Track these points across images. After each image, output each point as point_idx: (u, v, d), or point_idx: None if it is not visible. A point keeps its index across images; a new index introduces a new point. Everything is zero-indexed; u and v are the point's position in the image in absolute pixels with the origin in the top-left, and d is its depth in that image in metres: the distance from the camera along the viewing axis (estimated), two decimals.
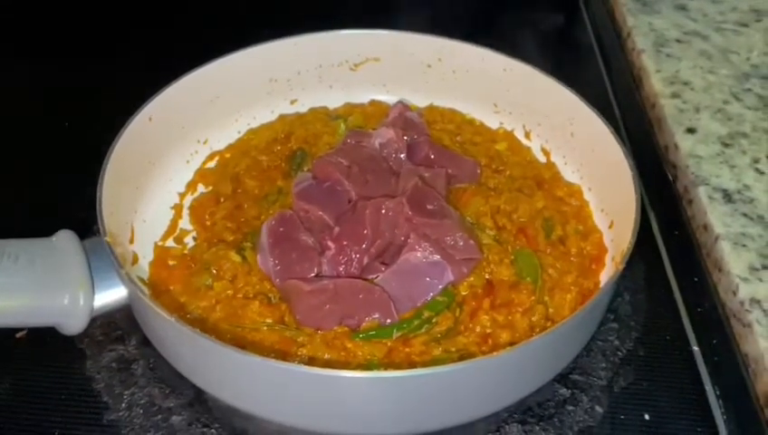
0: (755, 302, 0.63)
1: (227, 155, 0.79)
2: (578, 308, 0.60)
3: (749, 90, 0.87)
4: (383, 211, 0.64)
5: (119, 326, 0.64)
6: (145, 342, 0.62)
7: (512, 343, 0.59)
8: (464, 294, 0.63)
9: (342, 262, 0.62)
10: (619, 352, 0.64)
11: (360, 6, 0.98)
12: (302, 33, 0.81)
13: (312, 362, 0.57)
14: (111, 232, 0.60)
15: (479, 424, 0.58)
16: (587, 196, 0.74)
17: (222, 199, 0.73)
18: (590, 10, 1.10)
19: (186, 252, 0.68)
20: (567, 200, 0.73)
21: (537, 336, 0.55)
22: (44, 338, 0.61)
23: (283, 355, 0.57)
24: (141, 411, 0.59)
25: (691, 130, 0.81)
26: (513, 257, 0.65)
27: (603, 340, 0.65)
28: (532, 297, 0.63)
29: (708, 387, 0.63)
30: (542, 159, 0.79)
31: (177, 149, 0.76)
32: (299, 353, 0.58)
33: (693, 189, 0.75)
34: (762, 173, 0.76)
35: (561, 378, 0.62)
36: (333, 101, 0.84)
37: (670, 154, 0.81)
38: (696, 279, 0.70)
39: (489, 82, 0.81)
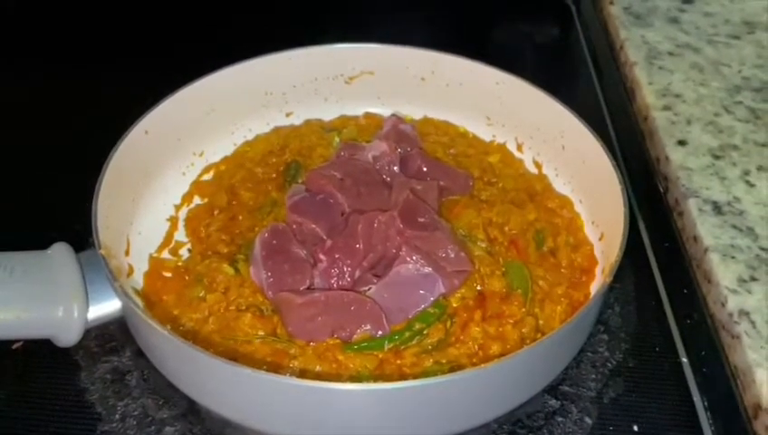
0: (744, 313, 0.64)
1: (223, 167, 0.80)
2: (568, 320, 0.61)
3: (740, 102, 0.88)
4: (375, 225, 0.64)
5: (113, 338, 0.64)
6: (139, 353, 0.62)
7: (502, 355, 0.59)
8: (455, 305, 0.63)
9: (334, 275, 0.63)
10: (609, 364, 0.65)
11: (355, 20, 0.99)
12: (297, 47, 0.82)
13: (303, 374, 0.58)
14: (106, 245, 0.61)
15: None
16: (578, 208, 0.75)
17: (217, 211, 0.74)
18: (584, 23, 1.11)
19: (180, 264, 0.69)
20: (558, 212, 0.74)
21: (527, 347, 0.56)
22: (39, 349, 0.62)
23: (276, 367, 0.58)
24: (135, 422, 0.59)
25: (682, 143, 0.82)
26: (504, 269, 0.66)
27: (593, 351, 0.65)
28: (523, 309, 0.63)
29: (697, 398, 0.63)
30: (534, 171, 0.80)
31: (173, 161, 0.77)
32: (291, 366, 0.58)
33: (683, 201, 0.75)
34: (752, 185, 0.77)
35: (551, 389, 0.62)
36: (328, 113, 0.85)
37: (661, 166, 0.82)
38: (685, 291, 0.71)
39: (482, 95, 0.82)
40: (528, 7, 1.14)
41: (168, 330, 0.55)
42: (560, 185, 0.77)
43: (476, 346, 0.61)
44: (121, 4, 1.11)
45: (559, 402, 0.62)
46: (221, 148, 0.81)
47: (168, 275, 0.67)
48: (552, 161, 0.79)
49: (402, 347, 0.60)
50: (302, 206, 0.68)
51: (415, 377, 0.58)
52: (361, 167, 0.72)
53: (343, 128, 0.82)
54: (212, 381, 0.55)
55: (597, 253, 0.70)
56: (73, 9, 1.10)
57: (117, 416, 0.60)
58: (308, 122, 0.84)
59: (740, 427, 0.60)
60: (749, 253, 0.69)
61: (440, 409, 0.55)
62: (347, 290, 0.63)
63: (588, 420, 0.61)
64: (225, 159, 0.80)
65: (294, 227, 0.67)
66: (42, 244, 0.62)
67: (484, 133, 0.83)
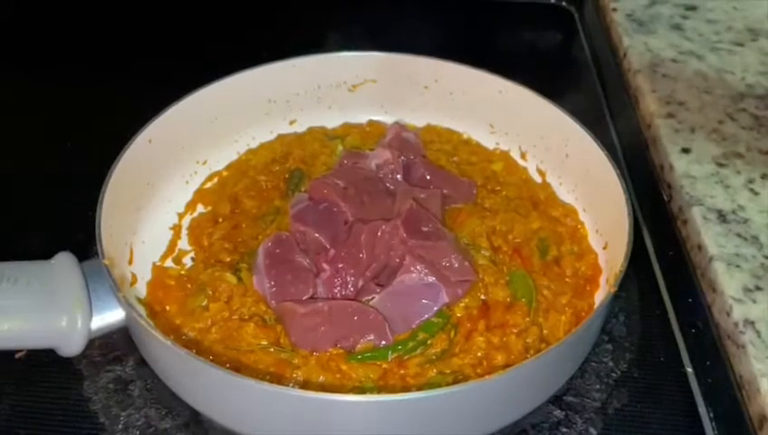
0: (749, 323, 0.64)
1: (226, 175, 0.79)
2: (572, 329, 0.61)
3: (744, 109, 0.87)
4: (378, 234, 0.64)
5: (116, 347, 0.64)
6: (142, 362, 0.62)
7: (507, 365, 0.59)
8: (459, 315, 0.63)
9: (338, 284, 0.63)
10: (614, 374, 0.65)
11: (358, 28, 0.99)
12: (300, 55, 0.82)
13: (306, 384, 0.57)
14: (110, 254, 0.61)
15: None
16: (582, 217, 0.74)
17: (220, 220, 0.74)
18: (587, 30, 1.11)
19: (183, 272, 0.68)
20: (562, 221, 0.74)
21: (530, 359, 0.55)
22: (43, 359, 0.62)
23: (278, 378, 0.58)
24: (138, 433, 0.59)
25: (686, 150, 0.82)
26: (508, 278, 0.66)
27: (597, 361, 0.65)
28: (527, 318, 0.63)
29: (702, 409, 0.63)
30: (538, 179, 0.80)
31: (176, 169, 0.77)
32: (294, 376, 0.58)
33: (687, 210, 0.75)
34: (756, 193, 0.76)
35: (556, 399, 0.62)
36: (331, 121, 0.85)
37: (665, 174, 0.82)
38: (690, 300, 0.71)
39: (485, 103, 0.82)
40: (531, 15, 1.14)
41: (171, 340, 0.54)
42: (564, 193, 0.77)
43: (480, 356, 0.61)
44: (125, 12, 1.11)
45: (563, 413, 0.61)
46: (224, 156, 0.81)
47: (172, 283, 0.67)
48: (555, 169, 0.79)
49: (406, 357, 0.60)
50: (305, 214, 0.68)
51: (418, 387, 0.58)
52: (364, 175, 0.72)
53: (346, 136, 0.82)
54: (215, 392, 0.55)
55: (601, 262, 0.70)
56: (76, 17, 1.10)
57: (120, 426, 0.59)
58: (311, 130, 0.84)
59: None
60: (754, 262, 0.69)
61: (444, 420, 0.54)
62: (350, 300, 0.62)
63: (593, 431, 0.60)
64: (229, 168, 0.80)
65: (297, 235, 0.67)
66: (45, 253, 0.62)
67: (488, 141, 0.83)
